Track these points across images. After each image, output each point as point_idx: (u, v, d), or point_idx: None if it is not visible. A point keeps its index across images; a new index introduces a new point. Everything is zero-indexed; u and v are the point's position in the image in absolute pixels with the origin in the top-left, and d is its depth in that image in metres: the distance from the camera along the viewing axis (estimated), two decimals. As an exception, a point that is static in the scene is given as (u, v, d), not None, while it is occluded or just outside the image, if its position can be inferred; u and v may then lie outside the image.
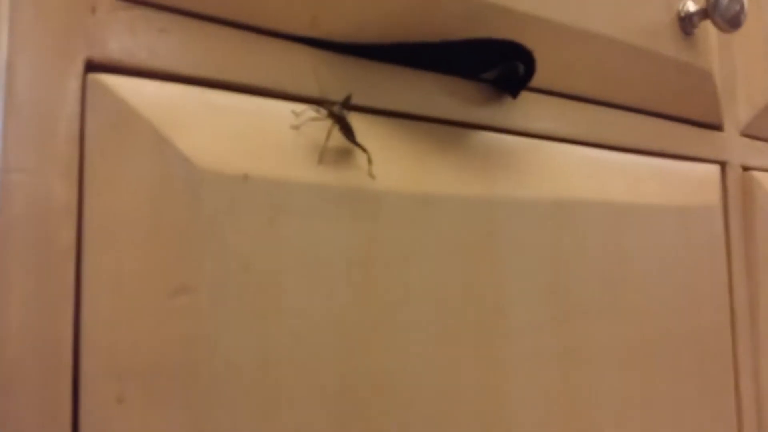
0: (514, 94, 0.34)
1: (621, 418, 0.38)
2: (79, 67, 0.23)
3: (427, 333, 0.30)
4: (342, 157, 0.28)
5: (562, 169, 0.37)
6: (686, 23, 0.43)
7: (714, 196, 0.47)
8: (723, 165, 0.49)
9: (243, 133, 0.26)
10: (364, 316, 0.28)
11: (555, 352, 0.35)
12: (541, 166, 0.36)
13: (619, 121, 0.41)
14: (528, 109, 0.36)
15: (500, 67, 0.34)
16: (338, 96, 0.28)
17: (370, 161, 0.28)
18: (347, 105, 0.28)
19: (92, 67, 0.23)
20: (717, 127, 0.49)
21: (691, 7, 0.42)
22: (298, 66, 0.28)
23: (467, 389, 0.31)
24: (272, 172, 0.26)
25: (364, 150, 0.28)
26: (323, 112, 0.27)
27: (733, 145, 0.50)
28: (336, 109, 0.27)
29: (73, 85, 0.23)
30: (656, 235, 0.42)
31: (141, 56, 0.24)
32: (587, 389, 0.36)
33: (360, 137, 0.28)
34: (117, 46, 0.24)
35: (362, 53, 0.29)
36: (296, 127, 0.27)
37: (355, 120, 0.29)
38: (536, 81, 0.34)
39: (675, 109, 0.45)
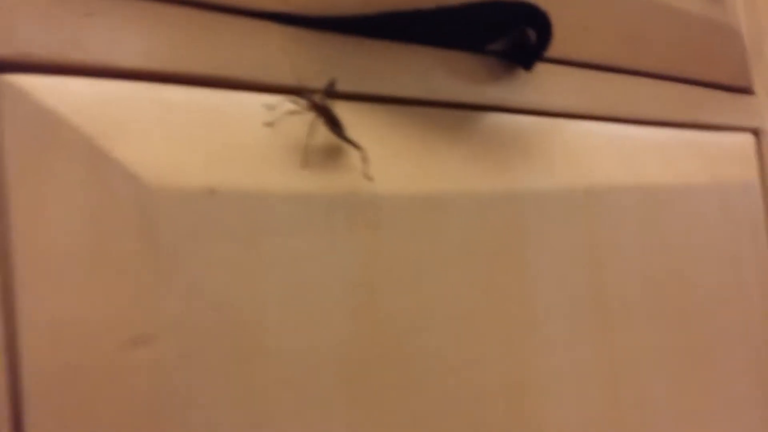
0: (528, 65, 0.29)
1: None
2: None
3: (448, 364, 0.25)
4: (330, 156, 0.23)
5: (589, 151, 0.32)
6: None
7: (751, 169, 0.42)
8: (757, 133, 0.44)
9: (204, 137, 0.21)
10: (371, 352, 0.23)
11: (598, 368, 0.30)
12: (564, 149, 0.31)
13: (645, 91, 0.36)
14: (544, 83, 0.31)
15: (508, 36, 0.28)
16: (319, 83, 0.23)
17: (364, 159, 0.23)
18: (331, 92, 0.23)
19: (1, 67, 0.18)
20: (747, 91, 0.44)
21: (718, -46, 0.37)
22: (268, 49, 0.23)
23: (500, 427, 0.26)
24: (245, 183, 0.21)
25: (357, 146, 0.23)
26: (302, 103, 0.22)
27: (765, 110, 0.45)
28: (318, 98, 0.22)
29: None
30: (696, 218, 0.37)
31: (63, 49, 0.19)
32: (638, 407, 0.31)
33: (350, 131, 0.23)
34: (30, 37, 0.19)
35: (344, 28, 0.24)
36: (270, 124, 0.22)
37: (342, 110, 0.24)
38: (551, 50, 0.29)
39: (703, 73, 0.40)
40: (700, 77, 0.40)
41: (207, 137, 0.21)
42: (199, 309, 0.19)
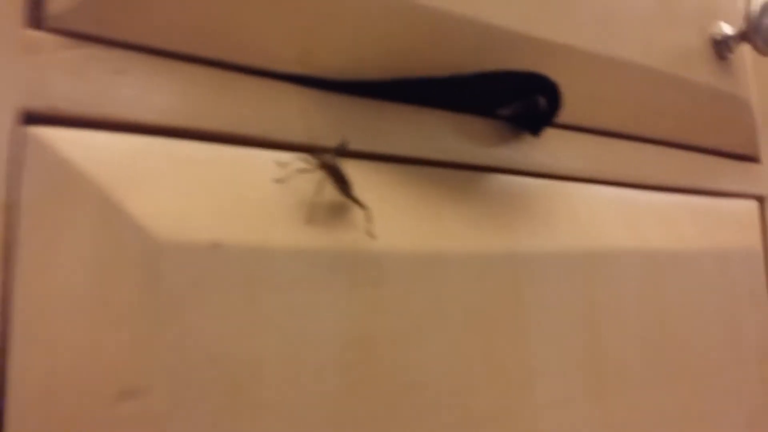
0: (536, 131, 0.30)
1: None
2: (13, 119, 0.19)
3: (442, 421, 0.25)
4: (335, 214, 0.24)
5: (592, 214, 0.32)
6: (722, 47, 0.39)
7: (754, 236, 0.42)
8: (761, 200, 0.44)
9: (214, 191, 0.21)
10: (365, 407, 0.23)
11: (591, 430, 0.29)
12: (569, 211, 0.31)
13: (651, 157, 0.37)
14: (551, 147, 0.32)
15: (518, 102, 0.29)
16: (331, 142, 0.24)
17: (369, 218, 0.24)
18: (341, 152, 0.23)
19: (30, 119, 0.19)
20: (753, 159, 0.44)
21: (728, 29, 0.38)
22: (284, 108, 0.24)
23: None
24: (250, 238, 0.21)
25: (362, 205, 0.24)
26: (313, 161, 0.23)
27: (771, 177, 0.45)
28: (328, 158, 0.23)
29: (4, 140, 0.18)
30: (696, 283, 0.37)
31: (91, 104, 0.20)
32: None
33: (357, 189, 0.24)
34: (62, 92, 0.19)
35: (360, 91, 0.25)
36: (281, 181, 0.23)
37: (352, 168, 0.24)
38: (561, 116, 0.30)
39: (709, 141, 0.41)
40: (706, 144, 0.40)
41: (217, 192, 0.21)
42: (194, 361, 0.20)
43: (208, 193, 0.21)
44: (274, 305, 0.21)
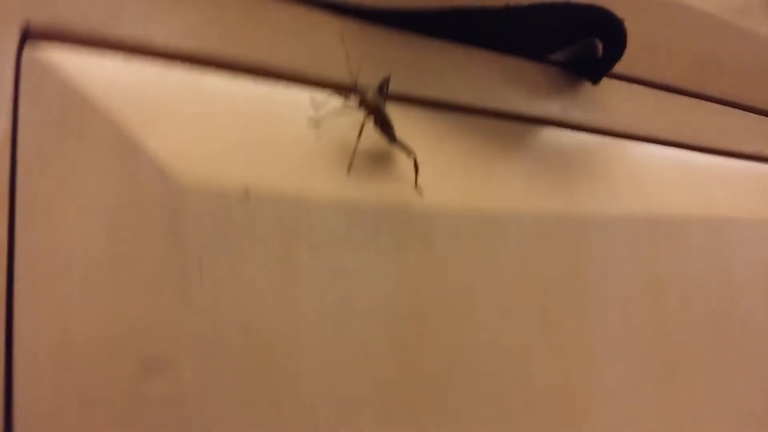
0: (595, 79, 0.27)
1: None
2: (14, 34, 0.16)
3: (499, 408, 0.21)
4: (379, 163, 0.21)
5: (654, 177, 0.29)
6: None
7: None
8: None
9: (243, 132, 0.18)
10: (415, 391, 0.20)
11: (657, 418, 0.26)
12: (629, 172, 0.28)
13: (714, 118, 0.33)
14: (609, 100, 0.28)
15: (575, 45, 0.26)
16: (373, 79, 0.21)
17: (416, 169, 0.21)
18: (385, 91, 0.20)
19: (31, 34, 0.16)
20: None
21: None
22: (320, 39, 0.21)
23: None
24: (284, 186, 0.18)
25: (409, 151, 0.21)
26: (354, 101, 0.20)
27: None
28: (371, 96, 0.20)
29: (4, 59, 0.16)
30: (762, 253, 0.33)
31: (100, 22, 0.17)
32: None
33: (402, 136, 0.21)
34: (70, 5, 0.17)
35: (401, 23, 0.22)
36: (317, 122, 0.20)
37: (394, 113, 0.21)
38: (618, 65, 0.27)
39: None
40: None
41: (246, 132, 0.18)
42: (224, 331, 0.17)
43: (235, 132, 0.18)
44: (312, 266, 0.18)
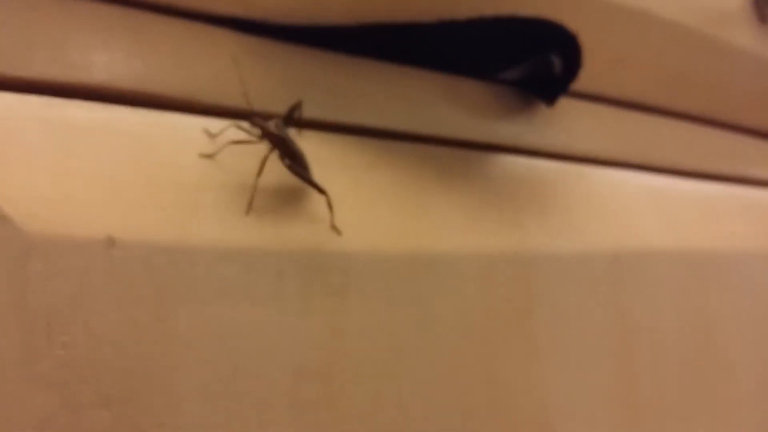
0: (550, 99, 0.24)
1: None
2: None
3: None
4: (286, 201, 0.18)
5: (620, 206, 0.27)
6: (762, 7, 0.33)
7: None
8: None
9: (112, 170, 0.16)
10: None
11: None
12: (590, 202, 0.26)
13: (686, 137, 0.31)
14: (569, 121, 0.26)
15: (527, 63, 0.23)
16: (279, 106, 0.18)
17: (330, 207, 0.18)
18: (293, 119, 0.18)
19: None
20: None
21: (775, -15, 0.32)
22: (216, 60, 0.18)
23: None
24: (158, 232, 0.16)
25: (321, 190, 0.18)
26: (254, 131, 0.17)
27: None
28: (274, 126, 0.17)
29: None
30: (746, 291, 0.31)
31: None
32: None
33: (318, 170, 0.18)
34: None
35: (318, 40, 0.19)
36: (209, 156, 0.17)
37: (308, 143, 0.19)
38: (578, 82, 0.24)
39: (754, 120, 0.35)
40: (750, 125, 0.35)
41: (116, 170, 0.16)
42: (81, 413, 0.14)
43: (102, 170, 0.16)
44: (193, 325, 0.16)
